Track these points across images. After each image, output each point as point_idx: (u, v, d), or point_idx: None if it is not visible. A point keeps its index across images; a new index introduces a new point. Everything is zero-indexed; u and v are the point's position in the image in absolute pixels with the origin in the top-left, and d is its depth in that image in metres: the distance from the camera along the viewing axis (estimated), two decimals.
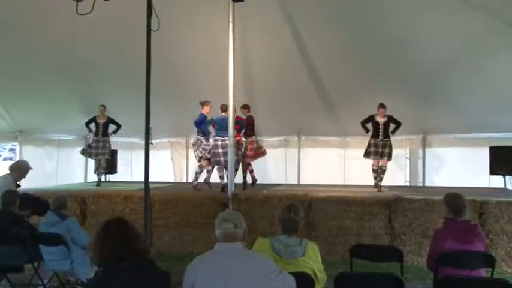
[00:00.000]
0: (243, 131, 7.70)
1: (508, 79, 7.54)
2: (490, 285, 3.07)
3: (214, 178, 7.91)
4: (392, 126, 7.50)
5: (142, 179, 4.08)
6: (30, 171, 5.64)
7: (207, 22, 7.11)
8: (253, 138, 7.88)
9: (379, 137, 7.47)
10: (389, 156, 7.52)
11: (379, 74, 8.04)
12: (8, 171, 5.41)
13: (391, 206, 6.04)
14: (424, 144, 9.68)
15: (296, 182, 9.94)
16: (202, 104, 7.58)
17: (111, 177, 10.26)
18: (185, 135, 10.86)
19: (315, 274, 2.86)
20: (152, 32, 4.02)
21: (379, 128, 7.48)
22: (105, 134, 8.53)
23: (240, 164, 7.58)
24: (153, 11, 4.03)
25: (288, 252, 2.85)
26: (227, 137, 6.81)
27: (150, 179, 4.09)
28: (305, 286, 2.65)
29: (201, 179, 7.92)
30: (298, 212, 2.99)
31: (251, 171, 8.00)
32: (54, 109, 9.04)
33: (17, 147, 9.10)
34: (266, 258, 2.45)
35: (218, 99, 7.21)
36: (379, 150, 7.48)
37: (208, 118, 7.56)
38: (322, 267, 2.96)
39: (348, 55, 7.73)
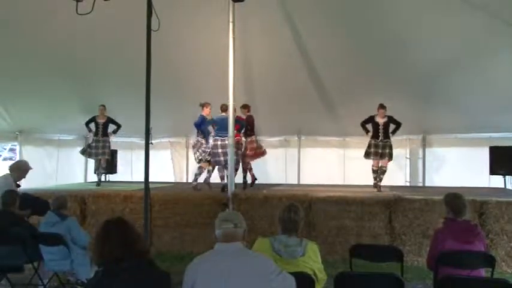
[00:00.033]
0: (243, 130, 7.70)
1: (508, 79, 7.54)
2: (490, 285, 3.07)
3: (214, 178, 7.91)
4: (392, 126, 7.50)
5: (142, 179, 4.07)
6: (30, 171, 5.64)
7: (207, 22, 7.11)
8: (253, 138, 7.87)
9: (379, 138, 7.47)
10: (390, 157, 7.53)
11: (379, 74, 8.04)
12: (8, 171, 5.41)
13: (391, 206, 6.04)
14: (424, 144, 9.68)
15: (296, 182, 9.93)
16: (202, 105, 7.58)
17: (111, 177, 10.25)
18: (185, 135, 10.85)
19: (315, 274, 2.86)
20: (152, 32, 4.02)
21: (379, 129, 7.47)
22: (105, 134, 8.52)
23: (240, 163, 7.58)
24: (153, 11, 4.02)
25: (288, 252, 2.85)
26: (227, 137, 6.82)
27: (150, 179, 4.09)
28: (305, 286, 2.65)
29: (201, 179, 7.92)
30: (298, 212, 2.99)
31: (250, 170, 8.00)
32: (54, 109, 9.04)
33: (17, 147, 9.10)
34: (266, 258, 2.45)
35: (218, 99, 7.21)
36: (379, 150, 7.48)
37: (208, 118, 7.57)
38: (322, 267, 2.96)
39: (348, 55, 7.73)
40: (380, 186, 7.54)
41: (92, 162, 9.33)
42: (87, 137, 9.66)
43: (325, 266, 3.02)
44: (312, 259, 2.88)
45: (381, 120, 7.48)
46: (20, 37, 6.91)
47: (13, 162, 6.87)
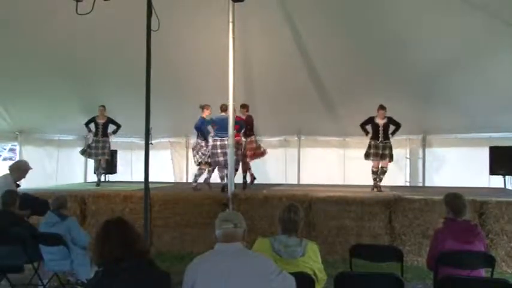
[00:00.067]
0: (243, 130, 7.70)
1: (508, 79, 7.54)
2: (490, 285, 3.06)
3: (214, 178, 7.91)
4: (392, 127, 7.50)
5: (142, 179, 4.07)
6: (30, 171, 5.63)
7: (207, 22, 7.11)
8: (253, 138, 7.88)
9: (379, 139, 7.46)
10: (391, 157, 7.52)
11: (379, 74, 8.05)
12: (8, 171, 5.41)
13: (391, 206, 6.04)
14: (424, 144, 9.68)
15: (296, 182, 9.93)
16: (202, 107, 7.58)
17: (111, 177, 10.25)
18: (185, 135, 10.85)
19: (315, 274, 2.86)
20: (152, 32, 4.02)
21: (379, 130, 7.47)
22: (105, 135, 8.53)
23: (240, 164, 7.58)
24: (153, 11, 4.02)
25: (288, 252, 2.85)
26: (226, 137, 6.81)
27: (150, 179, 4.09)
28: (305, 286, 2.65)
29: (201, 179, 7.92)
30: (298, 212, 2.99)
31: (249, 169, 7.99)
32: (54, 109, 9.04)
33: (17, 147, 9.10)
34: (266, 258, 2.45)
35: (218, 99, 7.21)
36: (379, 152, 7.47)
37: (208, 119, 7.57)
38: (322, 267, 2.96)
39: (348, 55, 7.73)
40: (380, 186, 7.54)
41: (91, 162, 9.32)
42: (87, 137, 9.66)
43: (325, 266, 3.02)
44: (312, 259, 2.88)
45: (380, 122, 7.47)
46: (20, 37, 6.91)
47: (13, 162, 6.87)
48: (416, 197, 6.13)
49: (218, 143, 7.32)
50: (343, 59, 7.80)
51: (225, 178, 7.35)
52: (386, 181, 7.83)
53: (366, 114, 7.61)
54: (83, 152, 8.80)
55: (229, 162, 6.64)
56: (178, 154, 11.41)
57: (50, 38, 7.00)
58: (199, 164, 7.74)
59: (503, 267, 5.49)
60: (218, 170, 7.74)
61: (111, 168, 9.77)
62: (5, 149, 10.18)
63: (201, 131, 7.63)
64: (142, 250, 2.25)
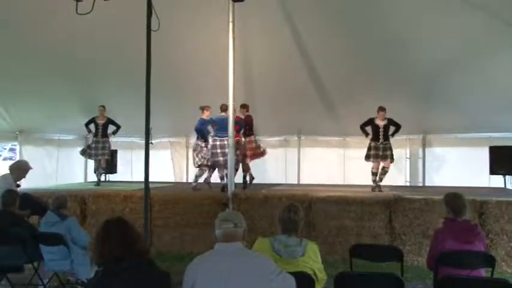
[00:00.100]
0: (242, 130, 7.69)
1: (508, 79, 7.54)
2: (490, 285, 3.07)
3: (214, 178, 7.91)
4: (392, 128, 7.50)
5: (142, 179, 4.07)
6: (30, 171, 5.64)
7: (207, 22, 7.11)
8: (252, 138, 7.88)
9: (380, 140, 7.46)
10: (392, 158, 7.52)
11: (379, 74, 8.04)
12: (8, 171, 5.42)
13: (391, 206, 6.04)
14: (424, 144, 9.68)
15: (296, 182, 9.93)
16: (202, 109, 7.59)
17: (111, 177, 10.26)
18: (185, 135, 10.84)
19: (315, 274, 2.86)
20: (152, 32, 4.02)
21: (379, 131, 7.46)
22: (105, 135, 8.53)
23: (240, 163, 7.58)
24: (153, 11, 4.02)
25: (288, 252, 2.85)
26: (226, 137, 6.81)
27: (150, 179, 4.09)
28: (305, 286, 2.65)
29: (201, 179, 7.92)
30: (298, 212, 2.99)
31: (248, 169, 7.98)
32: (54, 109, 9.04)
33: (17, 147, 9.10)
34: (266, 258, 2.45)
35: (218, 99, 7.21)
36: (379, 153, 7.47)
37: (207, 119, 7.57)
38: (322, 267, 2.96)
39: (348, 55, 7.73)
40: (380, 186, 7.54)
41: (92, 162, 9.32)
42: (87, 138, 9.66)
43: (325, 266, 3.02)
44: (312, 259, 2.88)
45: (381, 123, 7.47)
46: (20, 37, 6.90)
47: (13, 162, 6.88)
48: (416, 196, 6.14)
49: (218, 143, 7.32)
50: (343, 59, 7.80)
51: (225, 178, 7.35)
52: (387, 181, 7.83)
53: (365, 114, 7.61)
54: (82, 153, 8.80)
55: (229, 162, 6.64)
56: (179, 154, 11.41)
57: (50, 38, 7.00)
58: (199, 166, 7.74)
59: (503, 267, 5.49)
60: (218, 170, 7.74)
61: (111, 168, 9.78)
62: (5, 149, 10.18)
63: (202, 132, 7.63)
64: (143, 250, 2.26)
